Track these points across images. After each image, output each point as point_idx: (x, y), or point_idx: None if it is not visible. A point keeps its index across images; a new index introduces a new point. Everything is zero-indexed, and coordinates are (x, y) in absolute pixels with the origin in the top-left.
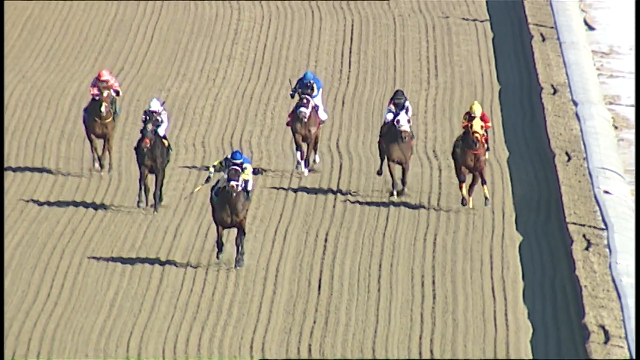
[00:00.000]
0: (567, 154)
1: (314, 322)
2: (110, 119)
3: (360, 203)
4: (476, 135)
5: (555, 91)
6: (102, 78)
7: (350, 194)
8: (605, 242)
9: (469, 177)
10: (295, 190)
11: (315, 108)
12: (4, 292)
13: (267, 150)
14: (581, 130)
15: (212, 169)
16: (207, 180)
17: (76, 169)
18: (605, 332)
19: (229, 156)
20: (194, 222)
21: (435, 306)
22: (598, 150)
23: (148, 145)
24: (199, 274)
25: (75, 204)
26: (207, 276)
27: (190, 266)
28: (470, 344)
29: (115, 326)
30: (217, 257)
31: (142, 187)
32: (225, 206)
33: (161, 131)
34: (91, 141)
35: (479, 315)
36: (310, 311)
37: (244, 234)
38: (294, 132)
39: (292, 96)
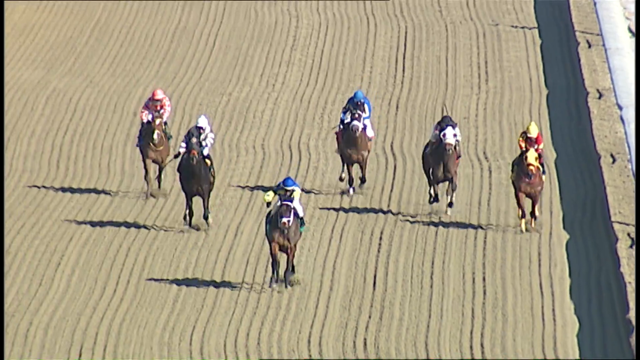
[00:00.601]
0: (612, 155)
1: (369, 317)
2: (163, 146)
3: (413, 203)
4: (531, 168)
5: (600, 95)
6: (157, 97)
7: (404, 194)
8: None
9: (527, 203)
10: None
11: (364, 128)
12: (4, 292)
13: (325, 152)
14: (625, 133)
15: (268, 198)
16: (268, 205)
17: (141, 171)
18: None
19: (281, 182)
20: (253, 221)
21: (485, 302)
22: None
23: (196, 156)
24: (259, 271)
25: (141, 203)
26: (266, 273)
27: (250, 263)
28: (519, 339)
29: (178, 321)
30: (270, 285)
31: (188, 209)
32: (279, 232)
33: (205, 151)
34: (145, 166)
35: (528, 310)
36: (366, 306)
37: (293, 260)
38: (344, 156)
39: (344, 114)
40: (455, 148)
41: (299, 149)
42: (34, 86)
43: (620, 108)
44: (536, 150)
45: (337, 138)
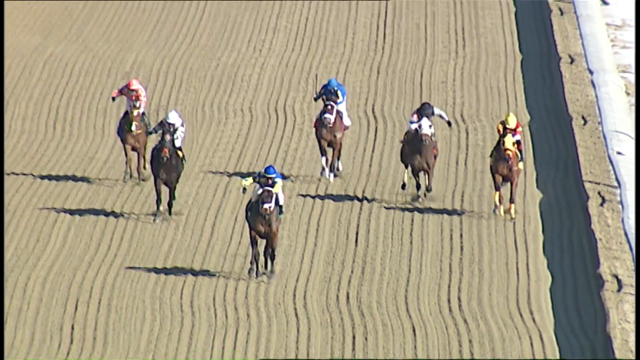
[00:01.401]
0: (583, 118)
1: (352, 272)
2: (142, 131)
3: (394, 163)
4: (508, 152)
5: (572, 60)
6: (132, 87)
7: (384, 155)
8: (618, 198)
9: (503, 186)
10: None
11: (340, 114)
12: (4, 292)
13: (309, 114)
14: (596, 96)
15: (245, 183)
16: (243, 191)
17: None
18: (619, 281)
19: (262, 170)
20: (241, 179)
21: (462, 257)
22: (611, 115)
23: (167, 154)
24: (247, 228)
25: (128, 172)
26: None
27: (239, 220)
28: (494, 292)
29: (169, 276)
30: (249, 273)
31: (158, 197)
32: (260, 219)
33: (177, 143)
34: (126, 151)
35: (503, 265)
36: (348, 262)
37: (275, 247)
38: (319, 138)
39: (316, 100)
40: (431, 138)
41: (284, 111)
42: (32, 51)
43: (591, 73)
44: (513, 136)
45: (315, 128)
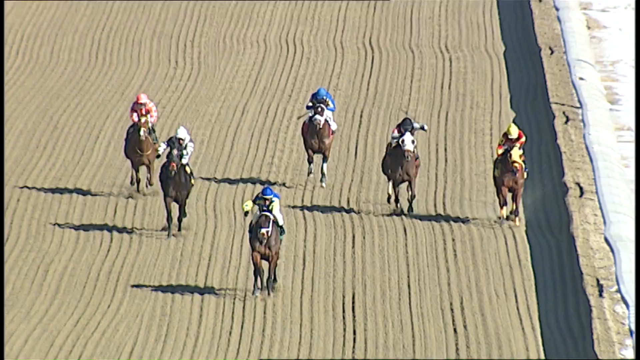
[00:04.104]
0: (550, 48)
1: (352, 181)
2: (150, 149)
3: (387, 85)
4: (515, 165)
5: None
6: (140, 101)
7: (380, 79)
8: (580, 117)
9: (509, 198)
10: (338, 76)
11: (327, 120)
12: (4, 292)
13: (315, 45)
14: (561, 30)
15: (246, 207)
16: (245, 214)
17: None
18: (580, 188)
19: (260, 193)
20: (257, 102)
21: (446, 168)
22: (575, 46)
23: (175, 169)
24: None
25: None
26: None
27: (255, 136)
28: (474, 197)
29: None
30: (253, 293)
31: (168, 215)
32: (260, 242)
33: (185, 160)
34: (133, 167)
35: (482, 174)
36: (349, 172)
37: (275, 268)
38: (308, 147)
39: (308, 108)
40: (413, 152)
41: (294, 43)
42: None
43: (557, 9)
44: (520, 156)
45: (303, 132)
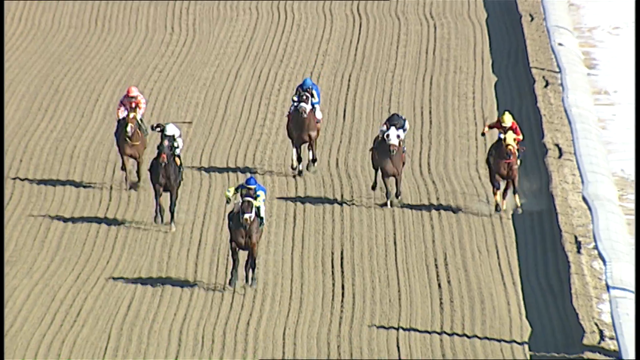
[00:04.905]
0: (530, 15)
1: (340, 142)
2: (139, 142)
3: (375, 50)
4: (509, 147)
5: None
6: (131, 94)
7: (367, 45)
8: (559, 81)
9: (502, 184)
10: (327, 42)
11: (313, 109)
12: (4, 292)
13: (306, 12)
14: None
15: (228, 194)
16: (227, 201)
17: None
18: (559, 149)
19: (244, 182)
20: (250, 65)
21: (431, 130)
22: (554, 13)
23: (165, 160)
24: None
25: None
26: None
27: (247, 100)
28: (457, 158)
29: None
30: (230, 283)
31: (158, 205)
32: (240, 230)
33: (176, 151)
34: (123, 161)
35: (465, 135)
36: (337, 134)
37: (255, 258)
38: (294, 139)
39: (294, 101)
40: (399, 145)
41: (285, 10)
42: None
43: None
44: (514, 140)
45: (288, 123)
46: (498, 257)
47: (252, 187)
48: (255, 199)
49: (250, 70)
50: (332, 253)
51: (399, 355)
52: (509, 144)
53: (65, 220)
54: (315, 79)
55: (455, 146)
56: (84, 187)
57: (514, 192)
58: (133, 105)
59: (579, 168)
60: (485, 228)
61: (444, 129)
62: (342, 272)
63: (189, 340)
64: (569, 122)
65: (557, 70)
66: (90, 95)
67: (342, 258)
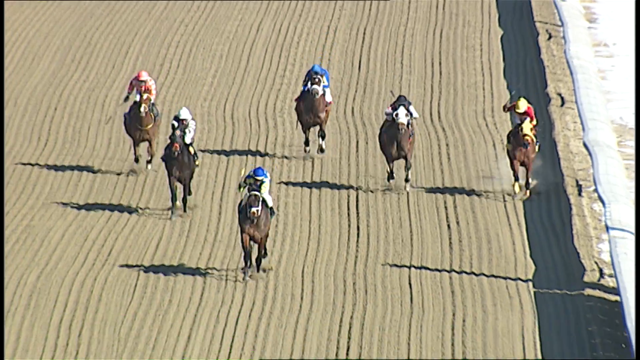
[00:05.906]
0: None
1: (356, 91)
2: (151, 124)
3: (388, 5)
4: (527, 137)
5: None
6: (141, 78)
7: (378, 18)
8: (562, 34)
9: (522, 173)
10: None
11: (323, 93)
12: (4, 292)
13: None
14: None
15: (240, 187)
16: (239, 188)
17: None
18: (562, 98)
19: (252, 172)
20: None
21: (441, 80)
22: None
23: (178, 149)
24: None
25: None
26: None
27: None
28: (466, 107)
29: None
30: (244, 274)
31: (173, 195)
32: (249, 223)
33: (187, 139)
34: (134, 143)
35: (472, 85)
36: (353, 84)
37: (265, 249)
38: (303, 122)
39: (304, 87)
40: (408, 126)
41: None
42: None
43: None
44: (530, 121)
45: (297, 106)
46: (504, 200)
47: (260, 178)
48: (260, 189)
49: (271, 24)
50: (348, 196)
51: (411, 292)
52: (525, 134)
53: (97, 165)
54: (332, 32)
55: (464, 95)
56: (115, 135)
57: (526, 187)
58: (143, 89)
59: (580, 116)
60: (492, 172)
61: (453, 79)
62: (358, 213)
63: (213, 275)
64: (571, 73)
65: (560, 24)
66: (120, 48)
67: (357, 201)
